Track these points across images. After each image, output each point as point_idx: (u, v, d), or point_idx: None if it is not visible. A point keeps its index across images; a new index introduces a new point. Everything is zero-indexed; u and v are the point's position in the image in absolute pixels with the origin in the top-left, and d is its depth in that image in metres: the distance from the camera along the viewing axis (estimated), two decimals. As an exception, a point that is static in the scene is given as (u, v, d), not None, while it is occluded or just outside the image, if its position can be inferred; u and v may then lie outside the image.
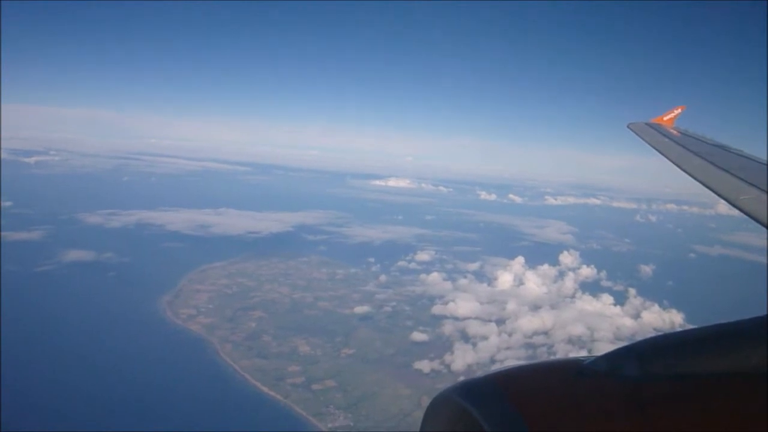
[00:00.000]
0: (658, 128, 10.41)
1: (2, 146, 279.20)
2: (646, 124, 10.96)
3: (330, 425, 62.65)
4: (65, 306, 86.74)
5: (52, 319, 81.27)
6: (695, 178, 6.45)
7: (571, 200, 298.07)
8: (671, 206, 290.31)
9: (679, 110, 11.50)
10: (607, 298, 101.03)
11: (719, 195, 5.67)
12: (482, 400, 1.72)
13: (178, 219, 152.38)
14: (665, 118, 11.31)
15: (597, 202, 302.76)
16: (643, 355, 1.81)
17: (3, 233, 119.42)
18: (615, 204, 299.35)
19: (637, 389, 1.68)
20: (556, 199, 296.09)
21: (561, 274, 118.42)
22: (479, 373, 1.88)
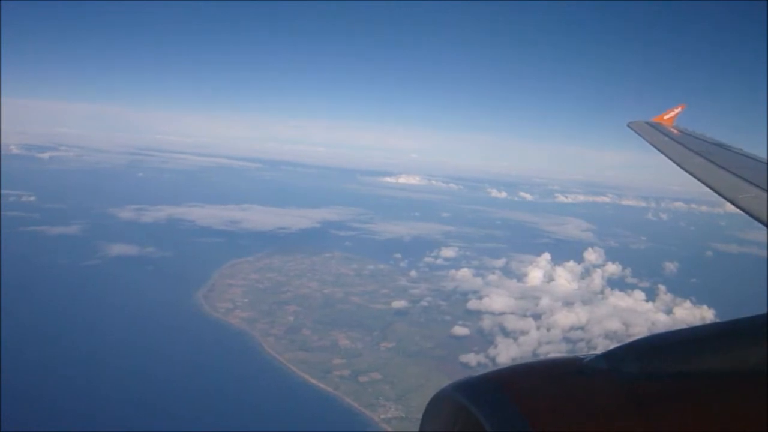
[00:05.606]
0: (658, 127, 10.40)
1: (14, 142, 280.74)
2: (646, 122, 10.96)
3: (383, 416, 64.13)
4: (118, 298, 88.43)
5: (108, 310, 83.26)
6: (695, 177, 6.50)
7: (581, 198, 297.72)
8: (679, 204, 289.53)
9: (679, 109, 11.50)
10: (639, 294, 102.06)
11: (719, 193, 5.72)
12: (482, 398, 1.70)
13: (206, 215, 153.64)
14: (665, 117, 11.30)
15: (606, 199, 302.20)
16: (643, 353, 1.81)
17: (41, 227, 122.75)
18: (624, 202, 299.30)
19: (636, 388, 1.67)
20: (566, 197, 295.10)
21: (587, 271, 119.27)
22: (480, 371, 1.91)
